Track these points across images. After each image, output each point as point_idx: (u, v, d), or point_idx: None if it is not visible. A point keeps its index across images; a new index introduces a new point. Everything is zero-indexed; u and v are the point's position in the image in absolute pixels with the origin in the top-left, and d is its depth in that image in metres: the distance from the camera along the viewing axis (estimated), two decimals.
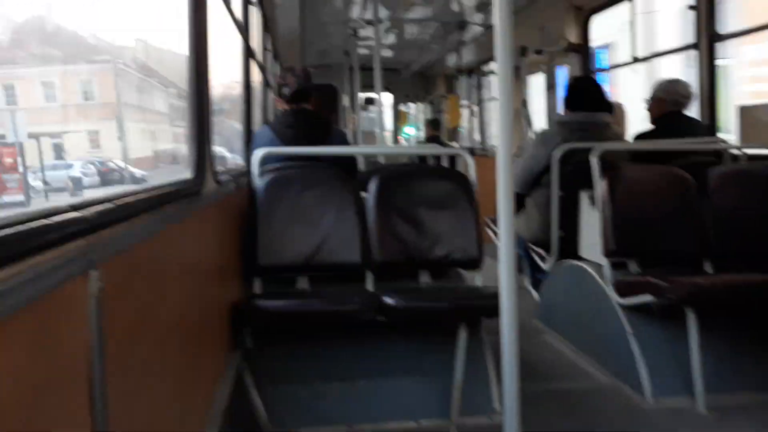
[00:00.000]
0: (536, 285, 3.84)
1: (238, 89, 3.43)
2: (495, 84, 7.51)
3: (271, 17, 4.85)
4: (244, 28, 3.23)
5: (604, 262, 2.92)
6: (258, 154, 2.75)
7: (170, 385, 1.41)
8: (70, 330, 0.86)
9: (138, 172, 21.47)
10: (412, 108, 11.04)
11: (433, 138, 7.80)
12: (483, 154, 7.56)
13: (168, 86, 30.87)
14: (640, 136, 3.69)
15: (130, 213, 1.09)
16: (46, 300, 0.76)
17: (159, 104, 31.30)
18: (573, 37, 4.94)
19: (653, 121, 3.67)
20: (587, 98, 3.60)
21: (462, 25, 6.16)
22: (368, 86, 6.51)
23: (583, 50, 4.96)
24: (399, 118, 10.43)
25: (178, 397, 1.49)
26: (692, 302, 2.51)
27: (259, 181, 2.68)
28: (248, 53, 3.35)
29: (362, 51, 6.44)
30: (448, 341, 2.45)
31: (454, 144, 8.42)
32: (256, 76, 3.91)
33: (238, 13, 3.09)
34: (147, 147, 27.13)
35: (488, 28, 6.27)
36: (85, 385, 0.89)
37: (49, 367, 0.78)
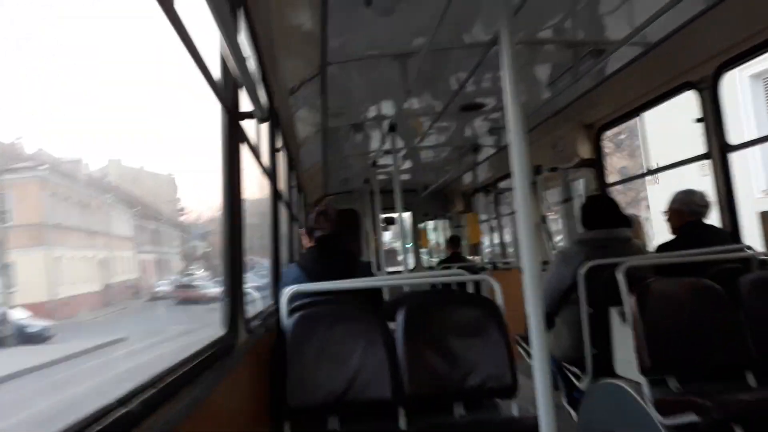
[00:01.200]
0: (573, 403, 3.70)
1: (263, 227, 3.58)
2: (512, 199, 7.67)
3: (296, 156, 5.15)
4: (272, 174, 3.44)
5: (641, 380, 2.84)
6: (286, 292, 2.81)
7: None
8: None
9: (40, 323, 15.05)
10: (430, 225, 11.24)
11: (454, 255, 7.88)
12: (506, 268, 7.58)
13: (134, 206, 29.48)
14: (663, 247, 3.71)
15: (172, 392, 1.12)
16: None
17: (119, 226, 27.71)
18: (585, 152, 5.13)
19: (674, 231, 3.70)
20: (603, 215, 3.67)
21: (475, 148, 6.43)
22: (388, 208, 6.72)
23: (596, 165, 5.12)
24: (418, 236, 10.60)
25: None
26: (740, 420, 2.40)
27: (287, 320, 2.72)
28: (276, 196, 3.53)
29: (381, 176, 6.72)
30: None
31: (475, 259, 8.48)
32: (284, 214, 4.08)
33: (265, 158, 3.31)
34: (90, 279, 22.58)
35: (500, 148, 6.54)
36: None
37: None
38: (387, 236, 9.14)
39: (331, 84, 3.85)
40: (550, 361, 1.98)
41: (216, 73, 1.86)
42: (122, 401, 0.93)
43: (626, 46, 3.62)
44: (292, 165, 4.91)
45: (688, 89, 3.87)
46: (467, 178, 8.49)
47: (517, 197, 2.00)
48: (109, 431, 0.84)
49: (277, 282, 3.27)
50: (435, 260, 10.53)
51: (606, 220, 3.63)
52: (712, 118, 3.67)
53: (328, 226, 3.13)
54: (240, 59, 1.77)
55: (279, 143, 3.79)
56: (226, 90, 2.03)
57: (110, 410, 0.89)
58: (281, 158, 3.99)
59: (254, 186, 3.25)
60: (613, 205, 3.75)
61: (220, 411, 1.60)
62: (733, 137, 3.68)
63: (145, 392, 1.02)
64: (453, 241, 8.07)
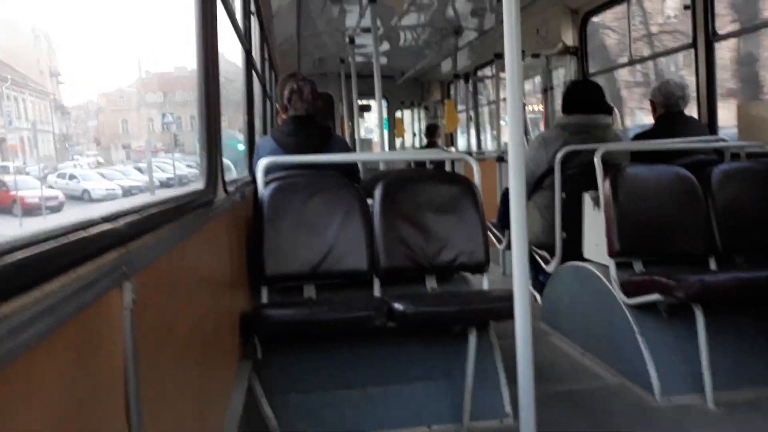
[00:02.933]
0: (538, 287, 3.85)
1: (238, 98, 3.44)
2: (491, 89, 7.53)
3: (269, 27, 4.87)
4: (246, 39, 3.24)
5: (609, 262, 2.94)
6: (262, 163, 2.75)
7: (189, 395, 1.42)
8: (108, 342, 0.86)
9: None
10: (407, 113, 11.08)
11: (431, 144, 7.84)
12: (481, 158, 7.59)
13: None
14: (639, 136, 3.72)
15: (156, 224, 1.09)
16: (86, 313, 0.77)
17: None
18: (569, 39, 4.98)
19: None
20: (586, 101, 3.63)
21: (457, 30, 6.19)
22: (364, 94, 6.54)
23: (579, 53, 5.00)
24: (394, 125, 10.47)
25: (197, 407, 1.50)
26: (700, 300, 2.53)
27: (263, 191, 2.69)
28: (250, 64, 3.36)
29: (358, 59, 6.47)
30: (457, 346, 2.45)
31: (452, 149, 8.46)
32: (257, 86, 3.92)
33: (239, 22, 3.10)
34: None
35: (483, 33, 6.31)
36: (121, 394, 0.90)
37: (90, 379, 0.78)
38: (362, 126, 9.02)
39: None
40: (526, 239, 2.00)
41: None
42: (107, 218, 0.90)
43: None
44: (265, 36, 4.65)
45: None
46: (446, 66, 8.26)
47: (509, 79, 1.93)
48: (93, 242, 0.81)
49: (251, 153, 3.19)
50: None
51: (587, 105, 3.60)
52: (701, 4, 3.55)
53: (302, 105, 3.00)
54: None
55: (252, 7, 3.55)
56: None
57: (95, 223, 0.85)
58: (254, 26, 3.76)
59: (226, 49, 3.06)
60: (596, 90, 3.70)
61: (200, 259, 1.59)
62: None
63: (130, 215, 0.99)
64: (430, 130, 8.00)
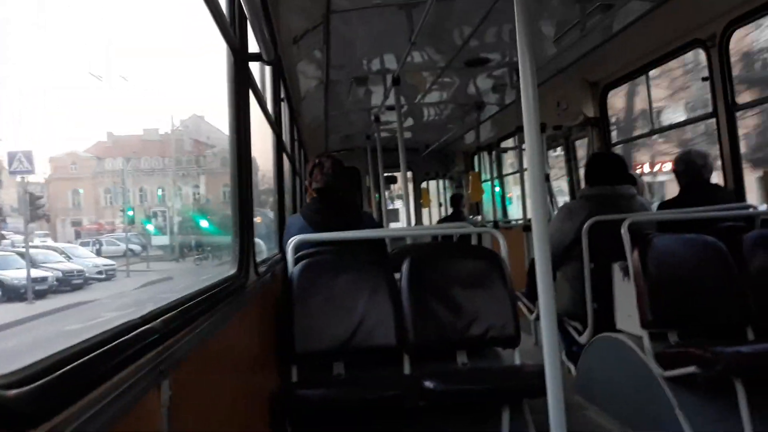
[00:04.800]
0: (572, 358, 3.77)
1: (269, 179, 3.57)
2: (513, 159, 7.61)
3: (297, 110, 5.09)
4: (276, 124, 3.41)
5: (642, 333, 2.88)
6: (292, 240, 2.83)
7: None
8: None
9: None
10: (432, 185, 11.24)
11: (455, 213, 7.90)
12: (507, 227, 7.61)
13: None
14: (665, 205, 3.72)
15: (191, 318, 1.13)
16: (127, 415, 0.79)
17: None
18: (589, 111, 5.08)
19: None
20: (610, 172, 3.67)
21: (479, 105, 6.37)
22: (389, 166, 6.69)
23: (600, 124, 5.09)
24: (420, 195, 10.61)
25: None
26: (739, 372, 2.45)
27: (293, 268, 2.75)
28: (280, 147, 3.51)
29: (383, 134, 6.67)
30: (491, 423, 2.40)
31: (477, 218, 8.51)
32: (287, 166, 4.07)
33: (269, 108, 3.27)
34: None
35: (504, 107, 6.48)
36: None
37: None
38: (387, 197, 9.17)
39: (334, 34, 3.78)
40: (554, 311, 2.00)
41: (223, 7, 1.82)
42: (146, 320, 0.94)
43: (635, 1, 3.54)
44: (294, 119, 4.86)
45: (696, 47, 3.81)
46: (469, 138, 8.43)
47: (529, 151, 1.99)
48: (134, 344, 0.85)
49: (281, 232, 3.28)
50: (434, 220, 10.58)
51: (611, 176, 3.64)
52: (720, 76, 3.63)
53: (322, 178, 3.12)
54: None
55: (282, 94, 3.74)
56: (233, 29, 2.00)
57: (134, 326, 0.90)
58: (284, 110, 3.95)
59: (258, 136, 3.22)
60: (618, 162, 3.75)
61: (232, 345, 1.62)
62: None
63: (166, 314, 1.03)
64: (455, 200, 8.08)
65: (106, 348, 0.78)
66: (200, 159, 37.60)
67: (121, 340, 0.83)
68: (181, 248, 27.41)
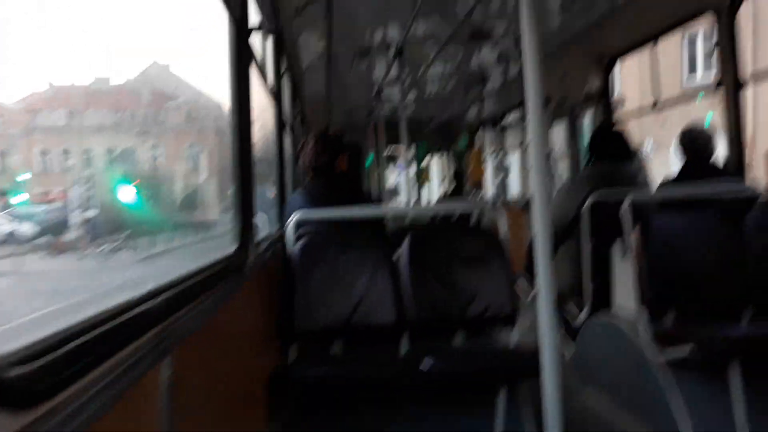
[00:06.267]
0: (572, 335, 3.79)
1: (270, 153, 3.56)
2: (517, 135, 7.56)
3: (299, 84, 5.05)
4: (278, 98, 3.38)
5: (639, 312, 2.89)
6: (293, 218, 2.83)
7: None
8: (147, 415, 0.89)
9: None
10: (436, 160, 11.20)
11: (457, 190, 7.89)
12: (509, 205, 7.60)
13: None
14: (664, 185, 3.69)
15: (193, 296, 1.14)
16: (129, 392, 0.80)
17: None
18: (594, 84, 5.01)
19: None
20: (612, 147, 3.63)
21: (482, 79, 6.31)
22: (392, 142, 6.66)
23: (604, 98, 5.02)
24: (421, 172, 10.58)
25: None
26: (735, 354, 2.46)
27: (293, 246, 2.75)
28: (281, 122, 3.49)
29: (386, 109, 6.63)
30: (487, 403, 2.43)
31: (479, 195, 8.49)
32: (288, 141, 4.04)
33: (271, 81, 3.24)
34: None
35: (508, 80, 6.41)
36: None
37: None
38: (389, 175, 9.15)
39: (337, 4, 3.72)
40: (553, 291, 2.00)
41: None
42: (148, 297, 0.95)
43: None
44: (296, 93, 4.82)
45: (707, 11, 3.71)
46: (472, 112, 8.37)
47: (531, 126, 1.96)
48: (135, 323, 0.85)
49: (282, 208, 3.28)
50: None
51: (613, 151, 3.60)
52: (728, 45, 3.55)
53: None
54: None
55: (284, 67, 3.70)
56: None
57: (137, 304, 0.90)
58: (285, 84, 3.91)
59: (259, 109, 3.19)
60: (621, 137, 3.71)
61: (232, 322, 1.64)
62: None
63: (168, 291, 1.04)
64: (456, 177, 8.06)
65: (108, 326, 0.79)
66: (160, 113, 32.41)
67: (123, 318, 0.84)
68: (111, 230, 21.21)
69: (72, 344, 0.69)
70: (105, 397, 0.71)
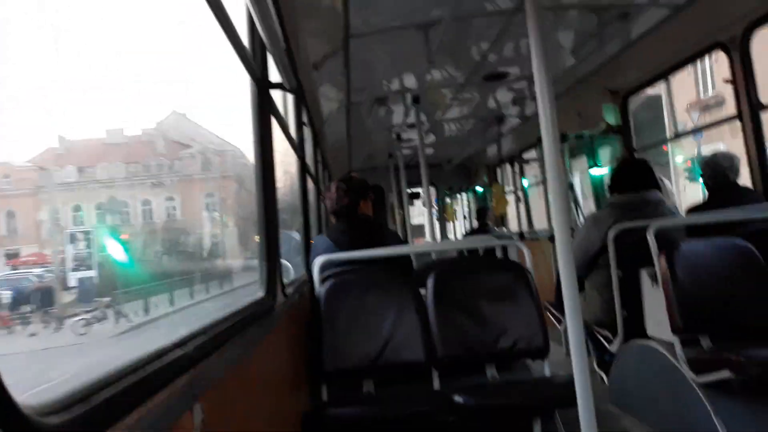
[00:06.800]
0: (604, 367, 3.73)
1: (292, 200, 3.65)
2: (537, 170, 7.58)
3: (320, 132, 5.19)
4: (299, 148, 3.49)
5: (673, 339, 2.85)
6: (318, 261, 2.88)
7: None
8: None
9: None
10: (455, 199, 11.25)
11: (481, 227, 7.89)
12: (534, 238, 7.57)
13: None
14: (693, 210, 3.68)
15: (222, 342, 1.17)
16: None
17: None
18: (611, 119, 5.05)
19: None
20: (636, 178, 3.65)
21: (499, 119, 6.39)
22: (413, 183, 6.74)
23: (622, 131, 5.06)
24: (444, 209, 10.63)
25: None
26: None
27: (320, 288, 2.80)
28: (304, 169, 3.59)
29: (405, 151, 6.74)
30: None
31: (502, 230, 8.48)
32: (310, 186, 4.14)
33: (292, 132, 3.36)
34: None
35: (525, 119, 6.49)
36: None
37: None
38: (412, 212, 9.21)
39: (354, 58, 3.87)
40: (581, 320, 2.00)
41: (244, 41, 1.90)
42: (178, 344, 0.99)
43: (653, 8, 3.54)
44: (317, 141, 4.95)
45: (717, 49, 3.78)
46: (491, 151, 8.44)
47: (548, 163, 2.01)
48: (165, 370, 0.89)
49: (308, 252, 3.35)
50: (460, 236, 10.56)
51: (637, 182, 3.61)
52: (742, 78, 3.59)
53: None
54: (269, 26, 1.80)
55: (305, 118, 3.83)
56: (255, 60, 2.07)
57: (168, 351, 0.94)
58: (307, 134, 4.03)
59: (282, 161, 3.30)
60: (644, 167, 3.72)
61: (262, 366, 1.67)
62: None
63: (198, 338, 1.07)
64: (480, 214, 8.08)
65: (138, 374, 0.81)
66: (175, 163, 30.80)
67: (153, 365, 0.87)
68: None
69: (104, 392, 0.72)
70: None
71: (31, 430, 0.59)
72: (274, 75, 2.35)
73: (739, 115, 3.65)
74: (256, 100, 2.10)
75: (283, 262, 2.67)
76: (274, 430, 1.75)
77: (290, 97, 3.52)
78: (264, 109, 2.13)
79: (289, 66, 2.37)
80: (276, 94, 2.52)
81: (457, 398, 2.28)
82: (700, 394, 2.65)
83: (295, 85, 2.52)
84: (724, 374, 2.51)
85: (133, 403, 0.76)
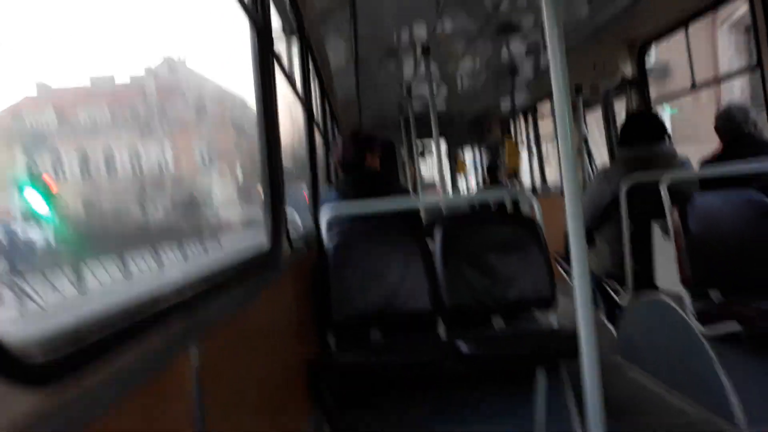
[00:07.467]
0: (613, 319, 3.74)
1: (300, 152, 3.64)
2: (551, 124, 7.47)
3: (329, 86, 5.11)
4: (307, 100, 3.44)
5: (683, 292, 2.84)
6: (325, 214, 2.88)
7: None
8: (177, 405, 0.93)
9: None
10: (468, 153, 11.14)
11: (493, 182, 7.84)
12: (547, 193, 7.51)
13: None
14: (707, 162, 3.61)
15: (221, 290, 1.18)
16: (156, 378, 0.84)
17: None
18: (628, 70, 4.92)
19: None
20: (647, 130, 3.57)
21: (513, 71, 6.25)
22: (423, 135, 6.67)
23: (639, 83, 4.93)
24: (456, 165, 10.54)
25: None
26: None
27: (327, 240, 2.80)
28: (311, 121, 3.55)
29: (417, 105, 6.64)
30: (527, 385, 2.42)
31: (515, 186, 8.42)
32: (318, 140, 4.11)
33: (298, 84, 3.31)
34: None
35: (538, 71, 6.34)
36: None
37: None
38: (423, 170, 9.14)
39: (360, 8, 3.77)
40: (589, 275, 1.99)
41: None
42: (177, 289, 0.99)
43: None
44: (326, 95, 4.89)
45: None
46: (505, 105, 8.30)
47: (558, 116, 1.96)
48: (168, 313, 0.90)
49: (316, 204, 3.35)
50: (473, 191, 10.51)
51: (648, 135, 3.54)
52: (765, 23, 3.45)
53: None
54: None
55: (312, 71, 3.77)
56: (254, 4, 2.02)
57: (164, 295, 0.95)
58: (314, 86, 3.98)
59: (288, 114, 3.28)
60: (655, 120, 3.64)
61: (267, 316, 1.69)
62: None
63: (197, 285, 1.08)
64: (491, 168, 8.01)
65: (133, 314, 0.83)
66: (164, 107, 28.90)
67: (149, 305, 0.87)
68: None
69: (103, 328, 0.73)
70: (133, 379, 0.75)
71: (21, 369, 0.60)
72: (277, 24, 2.29)
73: (759, 64, 3.53)
74: (257, 47, 2.05)
75: (292, 215, 2.67)
76: (280, 376, 1.78)
77: (296, 58, 3.45)
78: (264, 55, 2.08)
79: (293, 13, 2.31)
80: (281, 45, 2.47)
81: (463, 347, 2.30)
82: (707, 347, 2.65)
83: (298, 31, 2.46)
84: (733, 327, 2.51)
85: (127, 340, 0.77)
